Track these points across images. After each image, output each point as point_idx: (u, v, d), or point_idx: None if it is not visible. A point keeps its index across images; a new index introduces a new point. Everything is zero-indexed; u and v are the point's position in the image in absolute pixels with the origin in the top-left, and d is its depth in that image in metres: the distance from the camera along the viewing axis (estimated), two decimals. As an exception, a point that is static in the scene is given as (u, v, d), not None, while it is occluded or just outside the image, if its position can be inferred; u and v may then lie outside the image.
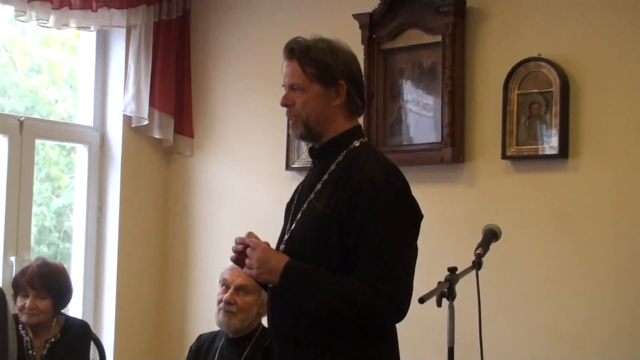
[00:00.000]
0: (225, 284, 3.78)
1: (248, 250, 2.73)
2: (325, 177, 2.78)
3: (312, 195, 2.78)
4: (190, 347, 4.07)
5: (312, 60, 2.78)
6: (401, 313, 2.70)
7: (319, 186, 2.78)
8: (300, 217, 2.79)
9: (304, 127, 2.82)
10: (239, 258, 2.80)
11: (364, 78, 4.55)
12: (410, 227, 2.80)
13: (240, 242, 2.79)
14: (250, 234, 2.79)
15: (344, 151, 2.81)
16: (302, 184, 2.93)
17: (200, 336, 4.07)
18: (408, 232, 2.79)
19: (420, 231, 4.56)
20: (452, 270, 3.22)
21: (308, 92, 2.79)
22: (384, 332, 2.82)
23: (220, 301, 3.77)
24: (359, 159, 2.78)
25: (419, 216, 2.85)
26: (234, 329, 3.75)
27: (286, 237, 2.83)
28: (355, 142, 2.85)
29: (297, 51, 2.81)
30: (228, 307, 3.71)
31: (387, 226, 2.67)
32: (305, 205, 2.79)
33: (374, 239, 2.65)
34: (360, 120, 4.59)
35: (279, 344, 2.83)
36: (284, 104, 2.84)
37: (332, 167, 2.79)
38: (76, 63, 5.78)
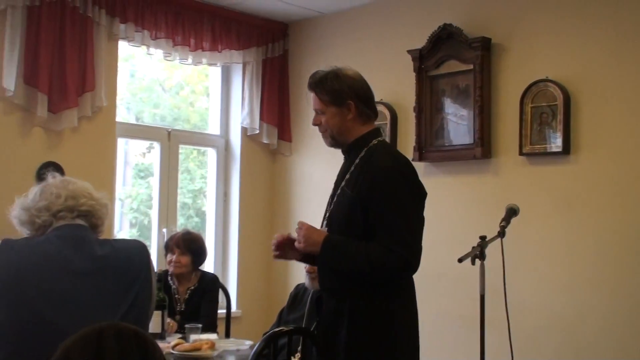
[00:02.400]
0: None
1: (296, 230, 2.75)
2: (352, 168, 2.75)
3: (343, 183, 2.75)
4: (290, 293, 4.12)
5: (324, 90, 2.77)
6: (411, 268, 2.64)
7: (347, 176, 2.75)
8: (335, 200, 2.78)
9: (331, 138, 2.82)
10: (278, 252, 2.87)
11: (414, 97, 4.66)
12: (415, 202, 2.73)
13: (279, 237, 2.85)
14: (300, 221, 2.81)
15: (365, 148, 2.76)
16: (338, 175, 2.89)
17: (298, 285, 4.11)
18: (415, 206, 2.72)
19: (456, 210, 4.64)
20: (483, 238, 3.29)
21: (327, 114, 2.78)
22: (402, 287, 2.74)
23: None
24: (376, 153, 2.73)
25: (423, 193, 2.77)
26: (317, 288, 3.81)
27: (326, 216, 2.82)
28: (374, 140, 2.78)
29: (313, 85, 2.82)
30: (309, 275, 3.75)
31: (397, 203, 2.63)
32: (339, 191, 2.76)
33: (388, 213, 2.61)
34: (412, 128, 4.72)
35: (325, 295, 2.81)
36: (314, 124, 2.87)
37: (357, 161, 2.74)
38: (206, 89, 5.93)
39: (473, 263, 3.27)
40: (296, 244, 2.76)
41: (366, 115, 2.80)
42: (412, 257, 2.62)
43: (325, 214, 2.87)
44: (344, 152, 2.88)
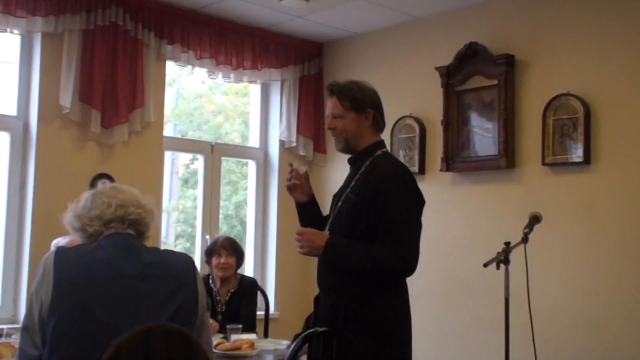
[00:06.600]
0: None
1: (296, 237, 2.75)
2: (357, 176, 2.76)
3: (347, 190, 2.77)
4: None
5: (347, 96, 2.79)
6: (410, 269, 2.65)
7: (352, 183, 2.77)
8: (339, 205, 2.79)
9: (344, 142, 2.82)
10: (291, 183, 2.99)
11: (442, 111, 4.63)
12: (416, 208, 2.74)
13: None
14: (299, 229, 2.79)
15: (370, 158, 2.79)
16: (342, 184, 2.89)
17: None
18: (415, 211, 2.73)
19: (482, 217, 4.57)
20: (507, 244, 3.25)
21: (346, 118, 2.79)
22: (396, 286, 2.74)
23: None
24: (380, 163, 2.76)
25: (422, 201, 2.77)
26: None
27: (330, 220, 2.83)
28: (379, 151, 2.81)
29: (336, 90, 2.82)
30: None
31: (398, 208, 2.64)
32: (343, 197, 2.78)
33: (389, 217, 2.62)
34: (439, 140, 4.66)
35: (323, 294, 2.81)
36: (329, 128, 2.86)
37: (362, 169, 2.77)
38: (245, 106, 5.95)
39: (498, 268, 3.24)
40: (299, 250, 2.75)
41: (379, 125, 2.85)
42: (412, 260, 2.63)
43: (327, 219, 2.87)
44: (350, 162, 2.89)
